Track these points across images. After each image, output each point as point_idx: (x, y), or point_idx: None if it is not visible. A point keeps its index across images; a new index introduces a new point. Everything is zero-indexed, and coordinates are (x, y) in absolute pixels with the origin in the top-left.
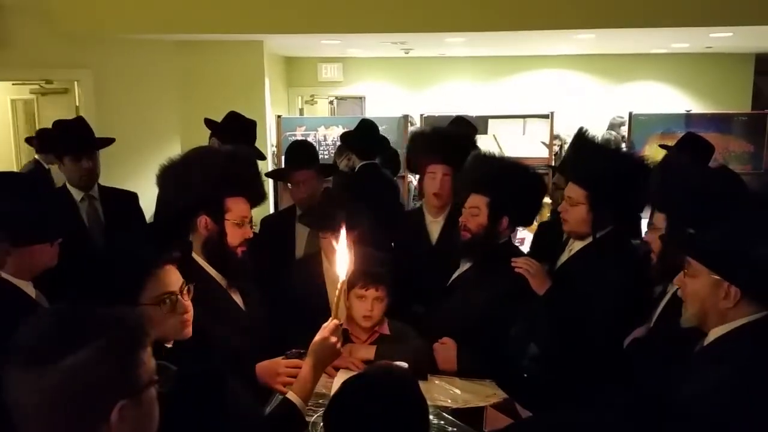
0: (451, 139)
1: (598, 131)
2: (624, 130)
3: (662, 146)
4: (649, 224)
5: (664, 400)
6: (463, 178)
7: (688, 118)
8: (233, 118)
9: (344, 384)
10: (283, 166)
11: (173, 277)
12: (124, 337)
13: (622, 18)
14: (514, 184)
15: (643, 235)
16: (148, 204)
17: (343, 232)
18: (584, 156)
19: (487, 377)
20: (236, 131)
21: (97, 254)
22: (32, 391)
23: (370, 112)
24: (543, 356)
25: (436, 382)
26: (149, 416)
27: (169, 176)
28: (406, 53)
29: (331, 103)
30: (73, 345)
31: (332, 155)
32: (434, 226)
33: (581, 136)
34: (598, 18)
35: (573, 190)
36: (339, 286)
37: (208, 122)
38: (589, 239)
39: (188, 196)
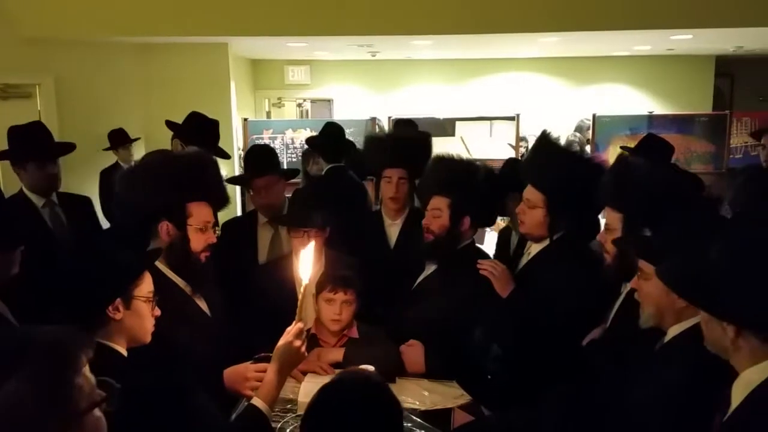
0: (407, 143)
1: (563, 133)
2: (589, 133)
3: (623, 148)
4: (605, 224)
5: (620, 400)
6: (424, 181)
7: (651, 119)
8: (195, 118)
9: (319, 392)
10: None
11: (150, 281)
12: (54, 364)
13: (584, 21)
14: (473, 184)
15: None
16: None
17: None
18: (543, 159)
19: (452, 379)
20: (198, 132)
21: (90, 249)
22: None
23: (338, 115)
24: (504, 358)
25: (404, 384)
26: None
27: (129, 182)
28: (373, 56)
29: (299, 105)
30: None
31: (301, 158)
32: (393, 230)
33: (544, 138)
34: (561, 21)
35: (531, 193)
36: (301, 289)
37: (170, 124)
38: (546, 242)
39: (149, 202)
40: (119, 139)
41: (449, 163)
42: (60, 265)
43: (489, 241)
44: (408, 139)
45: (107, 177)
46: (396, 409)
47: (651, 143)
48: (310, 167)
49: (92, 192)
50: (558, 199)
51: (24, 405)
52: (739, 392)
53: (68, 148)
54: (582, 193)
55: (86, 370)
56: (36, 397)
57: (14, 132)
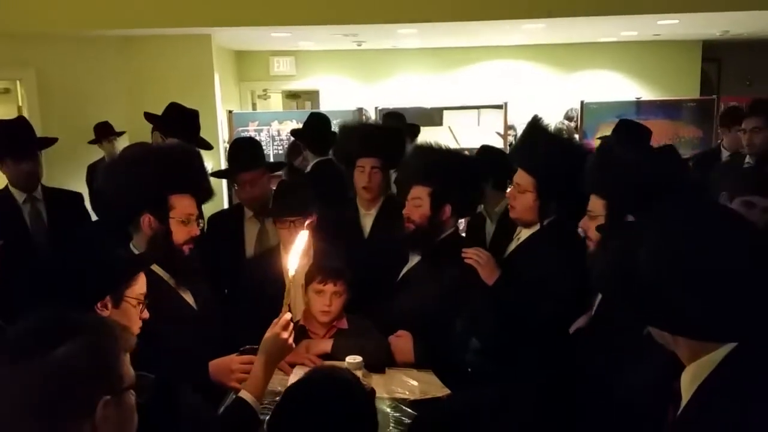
0: (379, 133)
1: (551, 121)
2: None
3: (600, 138)
4: (588, 212)
5: (609, 388)
6: (404, 171)
7: (639, 105)
8: (174, 109)
9: (286, 392)
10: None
11: (144, 283)
12: (108, 336)
13: (570, 6)
14: (453, 172)
15: None
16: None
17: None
18: (535, 144)
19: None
20: (178, 123)
21: (87, 243)
22: (21, 385)
23: (325, 106)
24: (484, 348)
25: (394, 374)
26: (129, 421)
27: (110, 175)
28: (358, 45)
29: (291, 96)
30: (60, 340)
31: (286, 151)
32: (367, 219)
33: (535, 123)
34: (547, 7)
35: (522, 177)
36: (288, 280)
37: (149, 116)
38: (536, 227)
39: (130, 194)
40: (104, 132)
41: (428, 152)
42: (51, 256)
43: None
44: (380, 128)
45: (94, 171)
46: (366, 405)
47: (626, 128)
48: (300, 163)
49: (76, 186)
50: (548, 182)
51: (79, 365)
52: (686, 386)
53: (47, 143)
54: (572, 177)
55: (128, 356)
56: (90, 360)
57: None
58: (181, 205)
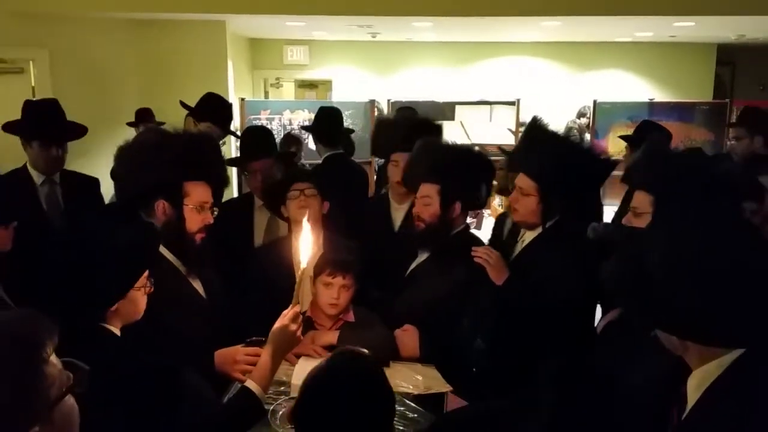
0: (415, 128)
1: (563, 119)
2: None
3: (622, 137)
4: (632, 208)
5: (618, 385)
6: (412, 169)
7: (651, 106)
8: (211, 98)
9: (310, 375)
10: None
11: None
12: (21, 358)
13: (586, 5)
14: (462, 169)
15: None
16: (107, 188)
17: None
18: (534, 147)
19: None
20: (212, 110)
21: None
22: None
23: (337, 97)
24: (489, 349)
25: (398, 368)
26: (68, 425)
27: (126, 159)
28: (373, 37)
29: (304, 86)
30: None
31: (280, 144)
32: (398, 213)
33: (534, 125)
34: (563, 5)
35: (523, 181)
36: (299, 273)
37: (183, 104)
38: (540, 230)
39: (145, 180)
40: (143, 117)
41: (436, 149)
42: (57, 257)
43: (487, 227)
44: (418, 124)
45: None
46: (384, 389)
47: (648, 130)
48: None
49: (87, 168)
50: (550, 186)
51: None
52: (692, 390)
53: (76, 132)
54: (574, 179)
55: (53, 356)
56: (6, 393)
57: (27, 107)
58: (196, 192)
